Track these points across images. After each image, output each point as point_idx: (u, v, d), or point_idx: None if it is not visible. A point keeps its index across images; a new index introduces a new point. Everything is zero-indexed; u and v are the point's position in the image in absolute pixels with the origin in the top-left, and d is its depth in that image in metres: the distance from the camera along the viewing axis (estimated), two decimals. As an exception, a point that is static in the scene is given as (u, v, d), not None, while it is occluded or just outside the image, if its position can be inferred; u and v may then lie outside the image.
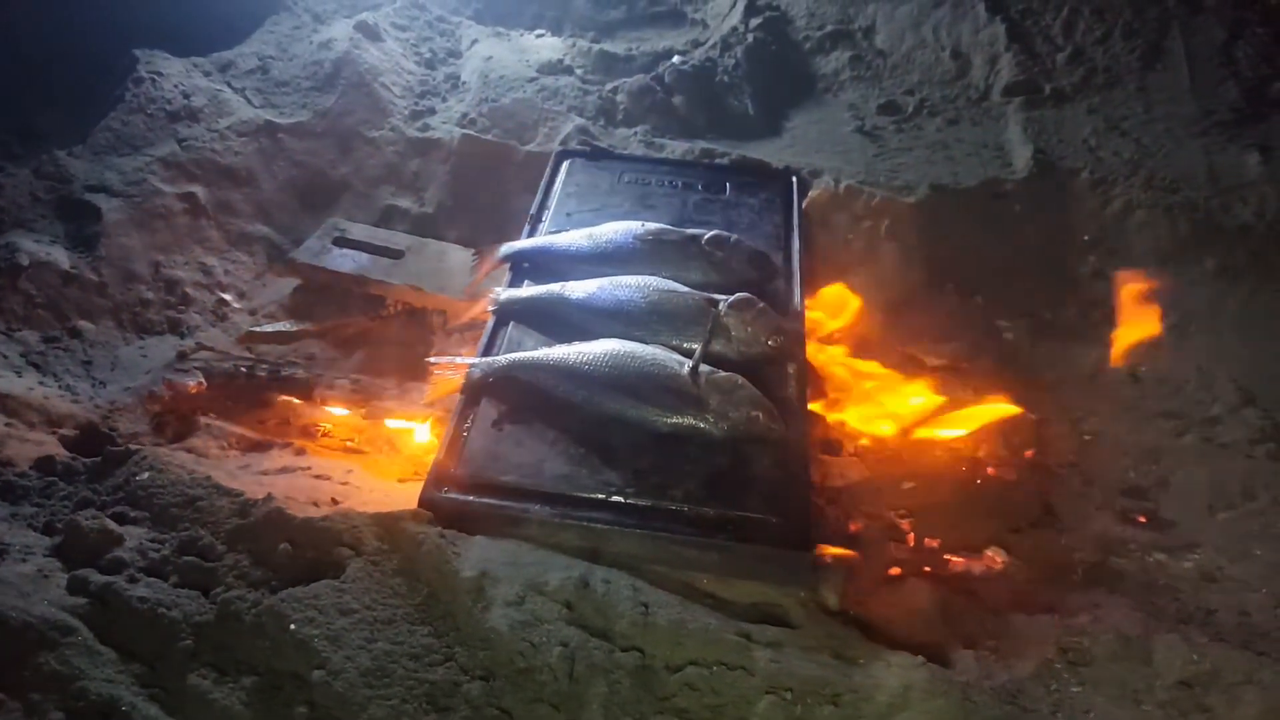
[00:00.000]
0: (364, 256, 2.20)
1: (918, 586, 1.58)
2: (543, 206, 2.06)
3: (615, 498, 1.45)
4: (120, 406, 1.92)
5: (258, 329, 2.13)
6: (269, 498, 1.39)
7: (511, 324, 1.76)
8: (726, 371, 1.57)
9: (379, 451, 1.98)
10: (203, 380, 1.95)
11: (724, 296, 1.70)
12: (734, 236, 1.85)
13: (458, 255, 2.20)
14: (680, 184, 2.16)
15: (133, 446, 1.50)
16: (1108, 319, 2.20)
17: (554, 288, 1.78)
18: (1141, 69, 2.53)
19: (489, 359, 1.65)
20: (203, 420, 1.92)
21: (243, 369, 2.00)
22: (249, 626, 1.18)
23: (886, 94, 2.60)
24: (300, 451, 1.91)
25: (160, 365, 2.01)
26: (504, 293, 1.80)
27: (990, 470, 1.94)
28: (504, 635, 1.18)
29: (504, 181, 2.35)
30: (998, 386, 2.06)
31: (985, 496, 1.90)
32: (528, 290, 1.80)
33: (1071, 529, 1.83)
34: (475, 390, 1.61)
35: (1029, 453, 1.97)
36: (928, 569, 1.72)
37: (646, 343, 1.65)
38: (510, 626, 1.19)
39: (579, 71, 2.60)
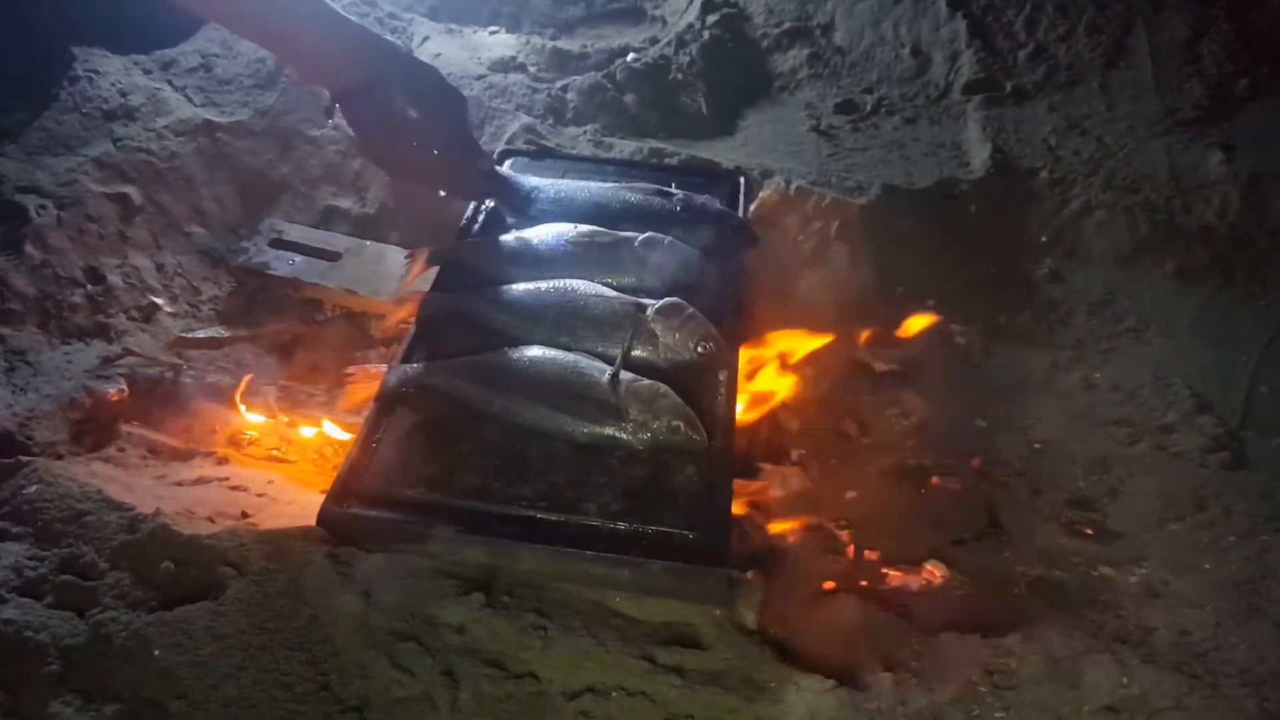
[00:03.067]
0: (300, 259, 2.15)
1: (846, 603, 1.52)
2: (479, 208, 2.00)
3: (525, 512, 1.39)
4: (39, 414, 1.85)
5: (188, 334, 2.08)
6: (157, 513, 1.34)
7: (433, 330, 1.70)
8: (650, 380, 1.51)
9: (305, 460, 1.93)
10: (125, 388, 1.89)
11: (652, 301, 1.64)
12: (668, 239, 1.79)
13: (396, 257, 2.14)
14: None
15: (23, 459, 1.44)
16: (1063, 323, 2.14)
17: (480, 293, 1.72)
18: (1104, 66, 2.47)
19: (404, 366, 1.59)
20: (124, 429, 1.87)
21: (168, 375, 1.95)
22: (117, 650, 1.13)
23: (844, 92, 2.54)
24: (223, 461, 1.85)
25: (84, 371, 1.95)
26: (429, 296, 1.74)
27: (935, 480, 1.88)
28: (384, 662, 1.12)
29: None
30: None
31: (930, 507, 1.85)
32: (452, 295, 1.73)
33: (1016, 541, 1.77)
34: (390, 399, 1.55)
35: (976, 462, 1.92)
36: (864, 583, 1.67)
37: (571, 349, 1.60)
38: (392, 653, 1.13)
39: (531, 69, 2.54)
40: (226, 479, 1.76)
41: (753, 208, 2.17)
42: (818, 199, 2.19)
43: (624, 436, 1.47)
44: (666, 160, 2.26)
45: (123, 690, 1.11)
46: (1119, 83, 2.45)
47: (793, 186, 2.21)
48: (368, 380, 1.63)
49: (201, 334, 2.08)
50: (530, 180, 1.94)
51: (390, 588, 1.23)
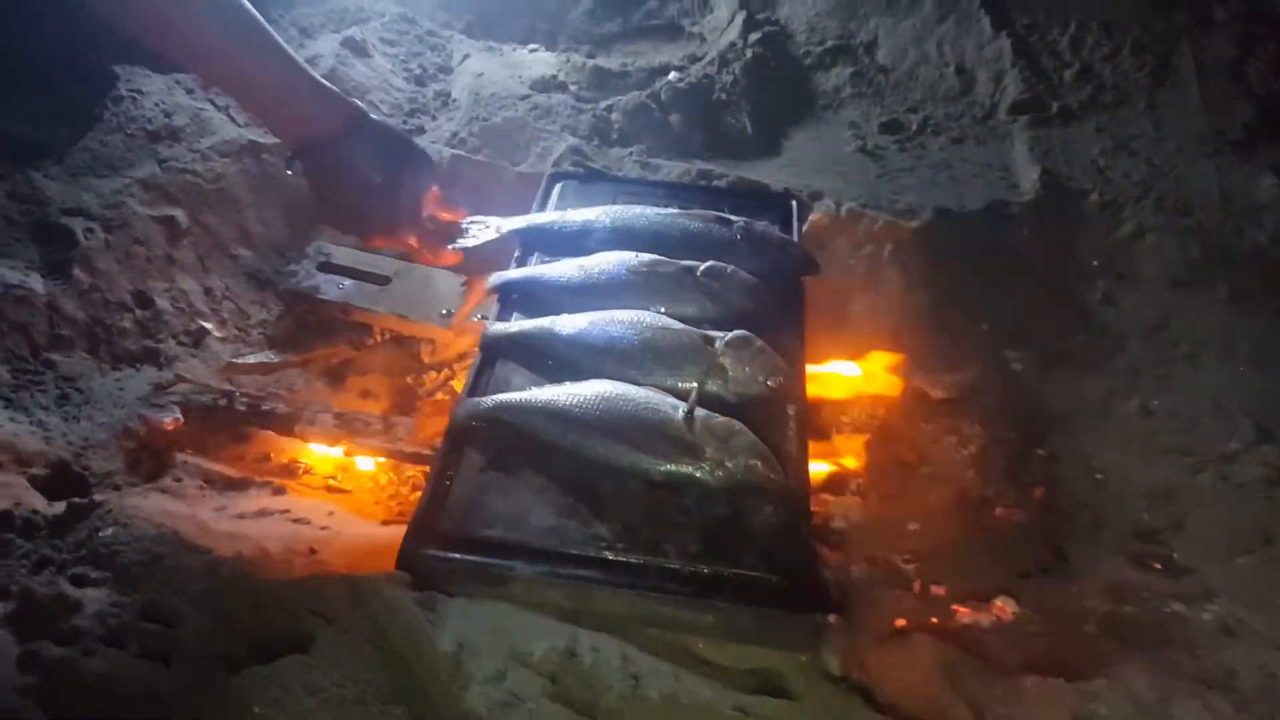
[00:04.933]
0: (349, 283, 2.13)
1: (923, 644, 1.50)
2: (535, 236, 1.98)
3: (605, 554, 1.37)
4: (94, 443, 1.84)
5: (239, 360, 2.06)
6: (237, 556, 1.32)
7: (499, 361, 1.68)
8: (723, 416, 1.49)
9: (362, 489, 1.91)
10: (179, 416, 1.88)
11: (720, 334, 1.63)
12: (730, 267, 1.77)
13: (446, 280, 2.12)
14: (676, 207, 2.08)
15: (97, 498, 1.42)
16: (1118, 348, 2.12)
17: (544, 322, 1.70)
18: (1151, 86, 2.46)
19: (473, 400, 1.57)
20: (179, 457, 1.85)
21: (222, 402, 1.93)
22: (214, 704, 1.11)
23: (889, 111, 2.53)
24: (279, 490, 1.84)
25: (136, 399, 1.93)
26: (492, 326, 1.72)
27: (999, 511, 1.87)
28: (482, 716, 1.10)
29: (495, 203, 2.27)
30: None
31: (994, 539, 1.83)
32: (516, 324, 1.72)
33: (1083, 574, 1.75)
34: (459, 434, 1.53)
35: (1039, 492, 1.90)
36: (934, 620, 1.65)
37: (640, 383, 1.58)
38: (489, 706, 1.12)
39: (573, 88, 2.52)
40: (287, 511, 1.74)
41: (804, 228, 2.16)
42: (869, 221, 2.17)
43: (700, 474, 1.46)
44: (716, 182, 2.24)
45: (219, 747, 1.09)
46: (1166, 103, 2.44)
47: (843, 209, 2.19)
48: (435, 412, 1.62)
49: (252, 359, 2.07)
50: (574, 216, 1.92)
51: (479, 636, 1.21)
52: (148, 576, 1.30)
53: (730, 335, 1.62)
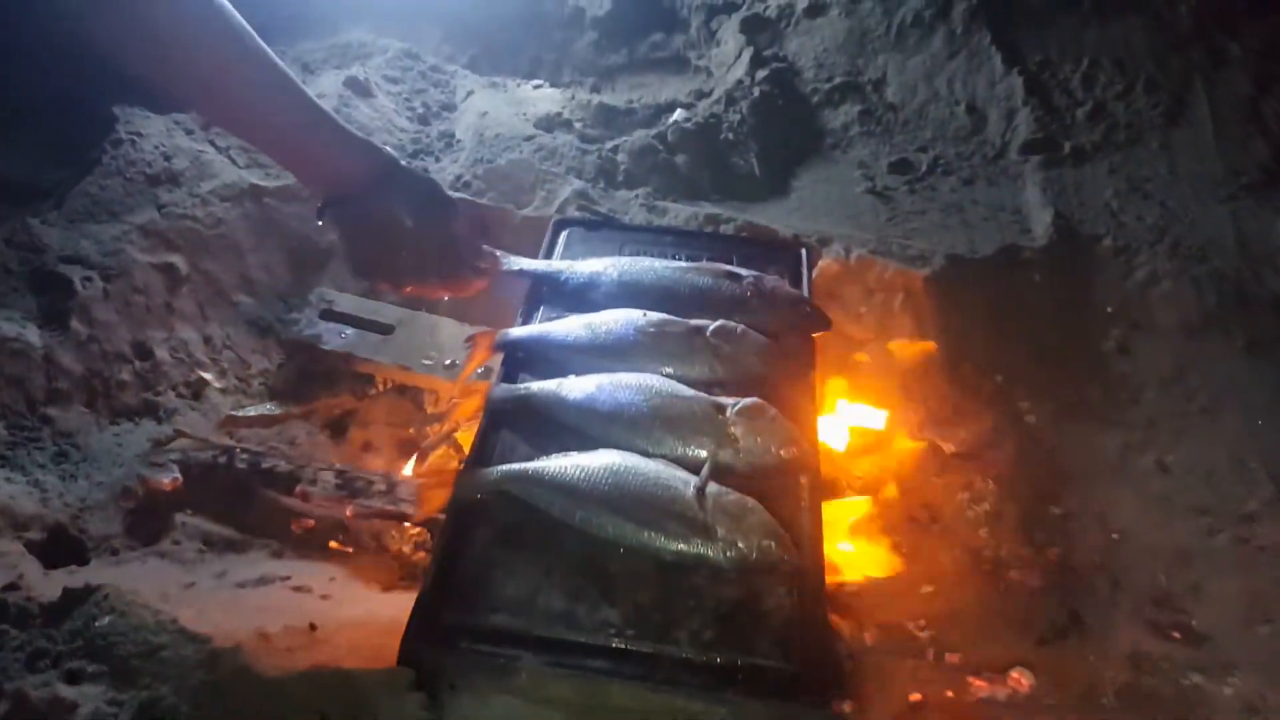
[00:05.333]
0: (351, 331, 2.10)
1: (941, 725, 1.48)
2: (541, 284, 1.94)
3: (614, 642, 1.33)
4: (91, 505, 1.81)
5: (239, 413, 2.02)
6: (237, 648, 1.28)
7: (504, 427, 1.64)
8: (737, 494, 1.46)
9: (365, 550, 1.88)
10: (178, 476, 1.84)
11: (731, 401, 1.59)
12: (740, 327, 1.74)
13: (451, 329, 2.09)
14: (684, 257, 2.04)
15: (93, 583, 1.38)
16: (1133, 400, 2.09)
17: (550, 385, 1.66)
18: (1165, 125, 2.42)
19: (479, 471, 1.53)
20: (178, 518, 1.82)
21: (222, 460, 1.89)
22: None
23: (898, 151, 2.49)
24: (280, 553, 1.80)
25: (135, 456, 1.90)
26: (497, 389, 1.69)
27: (1014, 574, 1.84)
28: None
29: (500, 247, 2.24)
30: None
31: (1009, 603, 1.80)
32: (522, 387, 1.68)
33: (1100, 641, 1.72)
34: (463, 509, 1.50)
35: (1054, 553, 1.87)
36: (949, 693, 1.62)
37: (649, 452, 1.54)
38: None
39: (578, 125, 2.49)
40: (288, 578, 1.71)
41: (814, 275, 2.12)
42: (880, 269, 2.14)
43: (710, 555, 1.42)
44: (724, 227, 2.21)
45: None
46: (1180, 142, 2.40)
47: (853, 255, 2.16)
48: (439, 481, 1.58)
49: (253, 412, 2.03)
50: (581, 267, 1.89)
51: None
52: (145, 670, 1.26)
53: (742, 404, 1.58)
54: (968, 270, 2.16)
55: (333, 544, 1.86)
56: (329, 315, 2.12)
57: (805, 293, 1.97)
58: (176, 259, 2.14)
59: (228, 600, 1.59)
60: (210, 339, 2.12)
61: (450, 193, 1.70)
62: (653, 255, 2.05)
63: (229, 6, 1.39)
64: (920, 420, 2.04)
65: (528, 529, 1.49)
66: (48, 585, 1.50)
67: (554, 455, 1.56)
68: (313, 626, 1.54)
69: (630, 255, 2.05)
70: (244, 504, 1.88)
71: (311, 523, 1.88)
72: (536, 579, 1.44)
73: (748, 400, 1.59)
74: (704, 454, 1.54)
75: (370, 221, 1.57)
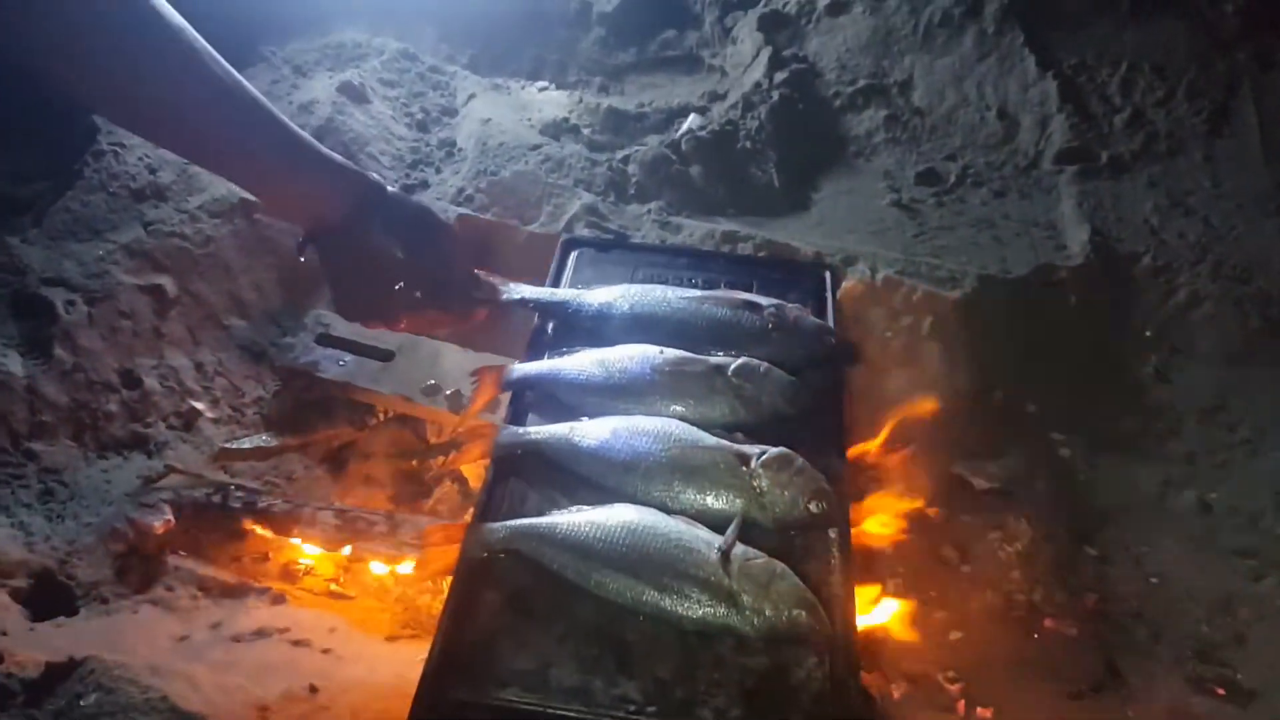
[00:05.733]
0: (349, 358, 1.99)
1: (977, 801, 1.39)
2: (547, 314, 1.84)
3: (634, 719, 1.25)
4: (79, 548, 1.71)
5: (233, 445, 1.92)
6: (232, 733, 1.20)
7: (512, 477, 1.55)
8: (764, 558, 1.36)
9: (367, 593, 1.79)
10: (170, 517, 1.75)
11: (756, 450, 1.49)
12: (764, 365, 1.63)
13: (454, 357, 1.99)
14: (701, 282, 1.93)
15: (77, 656, 1.30)
16: (1172, 431, 1.99)
17: (561, 430, 1.55)
18: (1208, 134, 2.30)
19: (486, 526, 1.44)
20: (171, 561, 1.73)
21: (215, 498, 1.80)
22: None
23: (925, 159, 2.37)
24: (279, 599, 1.71)
25: (124, 494, 1.81)
26: (505, 434, 1.59)
27: (1048, 622, 1.75)
28: None
29: (505, 267, 2.13)
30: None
31: (1043, 652, 1.72)
32: (532, 431, 1.58)
33: (1139, 696, 1.64)
34: (471, 569, 1.40)
35: (1091, 600, 1.78)
36: (983, 754, 1.54)
37: (668, 506, 1.45)
38: None
39: (586, 132, 2.36)
40: (287, 630, 1.62)
41: (837, 298, 2.01)
42: (907, 291, 2.03)
43: (736, 623, 1.33)
44: (742, 246, 2.09)
45: None
46: (1224, 153, 2.28)
47: (879, 276, 2.05)
48: (445, 540, 1.49)
49: (247, 444, 1.93)
50: (589, 297, 1.78)
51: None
52: (133, 758, 1.18)
53: (768, 455, 1.47)
54: (999, 292, 2.05)
55: (334, 588, 1.77)
56: (325, 340, 2.01)
57: (830, 321, 1.87)
58: (164, 280, 2.03)
59: (223, 659, 1.50)
60: (201, 366, 2.02)
61: (443, 218, 1.57)
62: (668, 279, 1.95)
63: (180, 22, 1.25)
64: (949, 456, 1.94)
65: (539, 592, 1.39)
66: (32, 649, 1.42)
67: (566, 510, 1.46)
68: (313, 689, 1.46)
69: (644, 278, 1.96)
70: (240, 543, 1.80)
71: (312, 566, 1.80)
72: (549, 648, 1.34)
73: (774, 451, 1.49)
74: (727, 508, 1.45)
75: (357, 256, 1.44)
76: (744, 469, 1.49)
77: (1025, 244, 2.14)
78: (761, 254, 2.09)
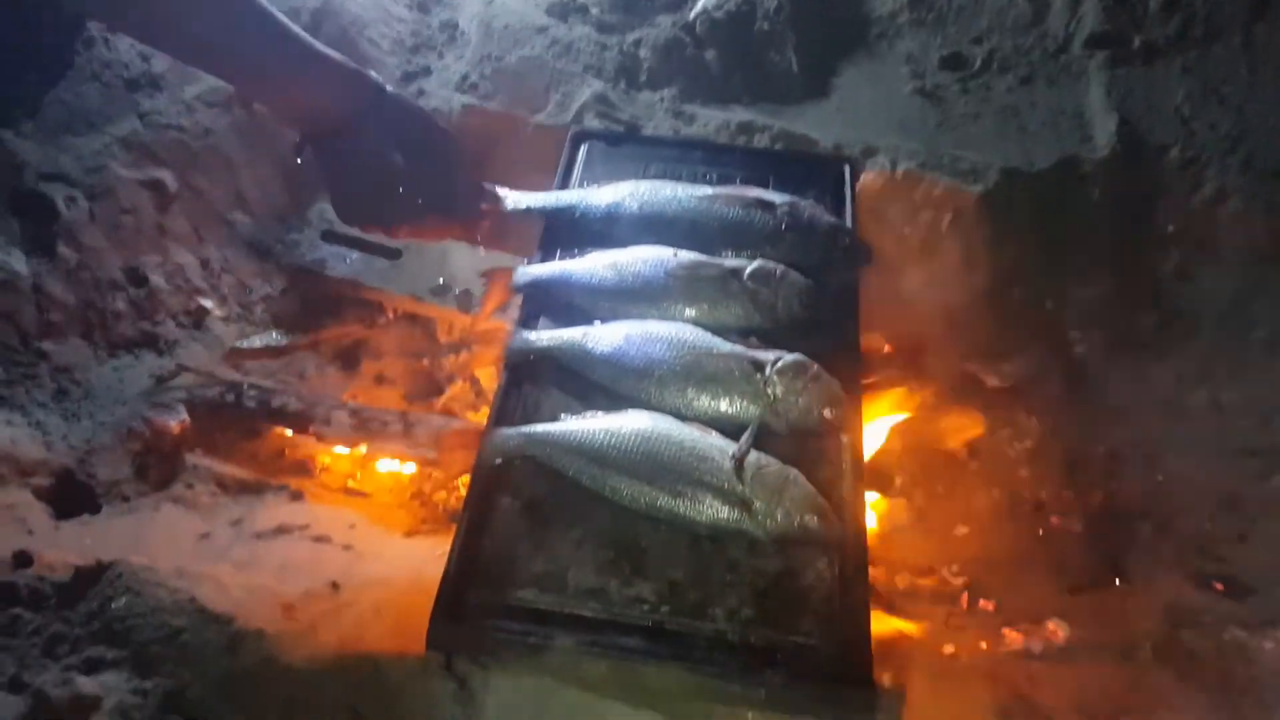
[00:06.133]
0: (357, 256, 1.97)
1: (975, 692, 1.44)
2: (556, 221, 1.79)
3: (648, 619, 1.28)
4: (97, 448, 1.74)
5: (244, 344, 1.92)
6: (260, 634, 1.24)
7: (526, 382, 1.54)
8: (778, 464, 1.37)
9: (383, 490, 1.82)
10: (185, 417, 1.76)
11: (771, 356, 1.48)
12: (780, 268, 1.61)
13: (462, 256, 1.95)
14: (715, 178, 1.88)
15: (105, 559, 1.32)
16: (1190, 331, 1.97)
17: (575, 335, 1.55)
18: (1248, 20, 2.17)
19: (502, 432, 1.45)
20: (189, 460, 1.75)
21: (229, 397, 1.81)
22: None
23: (950, 43, 2.26)
24: (297, 495, 1.74)
25: (138, 393, 1.82)
26: (517, 339, 1.57)
27: (1054, 519, 1.78)
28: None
29: (511, 160, 2.07)
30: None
31: (1047, 549, 1.75)
32: (546, 336, 1.57)
33: (1140, 592, 1.68)
34: (487, 475, 1.42)
35: (1097, 496, 1.80)
36: (983, 645, 1.59)
37: (682, 412, 1.45)
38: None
39: (595, 12, 2.25)
40: (307, 527, 1.65)
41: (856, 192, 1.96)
42: (928, 186, 1.98)
43: (748, 527, 1.35)
44: (759, 137, 2.03)
45: None
46: (1265, 40, 2.16)
47: (899, 169, 1.99)
48: (462, 445, 1.50)
49: (258, 343, 1.93)
50: (595, 199, 1.73)
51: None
52: (167, 657, 1.22)
53: (783, 362, 1.47)
54: (1022, 187, 1.99)
55: (350, 484, 1.80)
56: (331, 237, 1.99)
57: (848, 219, 1.82)
58: (164, 174, 1.98)
59: (247, 557, 1.54)
60: (207, 263, 1.99)
61: (446, 124, 1.52)
62: (681, 174, 1.89)
63: None
64: (963, 351, 1.93)
65: (555, 497, 1.42)
66: (59, 549, 1.45)
67: (580, 416, 1.47)
68: (335, 586, 1.50)
69: (657, 174, 1.90)
70: (256, 441, 1.82)
71: (328, 463, 1.82)
72: (566, 552, 1.37)
73: (789, 358, 1.48)
74: (741, 414, 1.45)
75: (355, 161, 1.41)
76: (758, 376, 1.48)
77: (1051, 135, 2.07)
78: (778, 147, 2.03)
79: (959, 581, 1.69)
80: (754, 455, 1.38)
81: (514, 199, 1.72)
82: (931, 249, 1.98)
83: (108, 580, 1.30)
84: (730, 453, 1.38)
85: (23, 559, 1.37)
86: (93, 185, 1.92)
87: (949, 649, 1.55)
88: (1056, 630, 1.60)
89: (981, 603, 1.67)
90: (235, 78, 1.43)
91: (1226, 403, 1.87)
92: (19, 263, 1.84)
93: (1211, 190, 2.02)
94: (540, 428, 1.45)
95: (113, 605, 1.27)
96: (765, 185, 1.86)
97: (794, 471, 1.39)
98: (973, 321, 1.94)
